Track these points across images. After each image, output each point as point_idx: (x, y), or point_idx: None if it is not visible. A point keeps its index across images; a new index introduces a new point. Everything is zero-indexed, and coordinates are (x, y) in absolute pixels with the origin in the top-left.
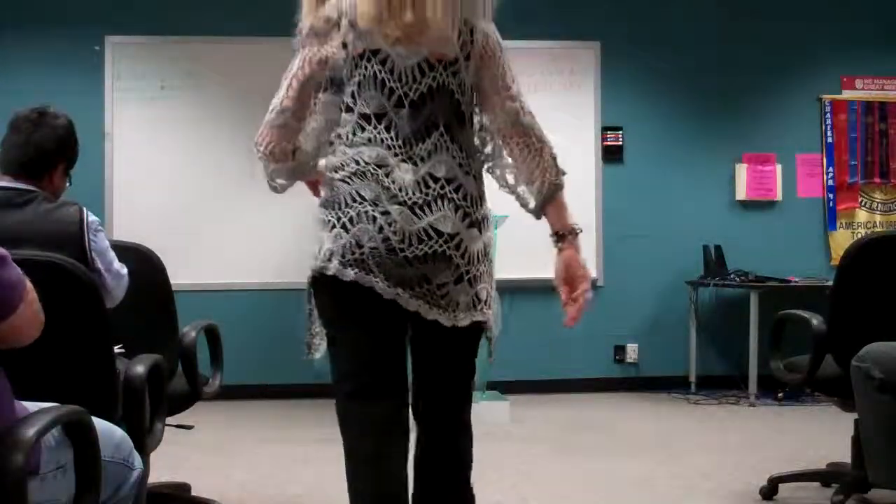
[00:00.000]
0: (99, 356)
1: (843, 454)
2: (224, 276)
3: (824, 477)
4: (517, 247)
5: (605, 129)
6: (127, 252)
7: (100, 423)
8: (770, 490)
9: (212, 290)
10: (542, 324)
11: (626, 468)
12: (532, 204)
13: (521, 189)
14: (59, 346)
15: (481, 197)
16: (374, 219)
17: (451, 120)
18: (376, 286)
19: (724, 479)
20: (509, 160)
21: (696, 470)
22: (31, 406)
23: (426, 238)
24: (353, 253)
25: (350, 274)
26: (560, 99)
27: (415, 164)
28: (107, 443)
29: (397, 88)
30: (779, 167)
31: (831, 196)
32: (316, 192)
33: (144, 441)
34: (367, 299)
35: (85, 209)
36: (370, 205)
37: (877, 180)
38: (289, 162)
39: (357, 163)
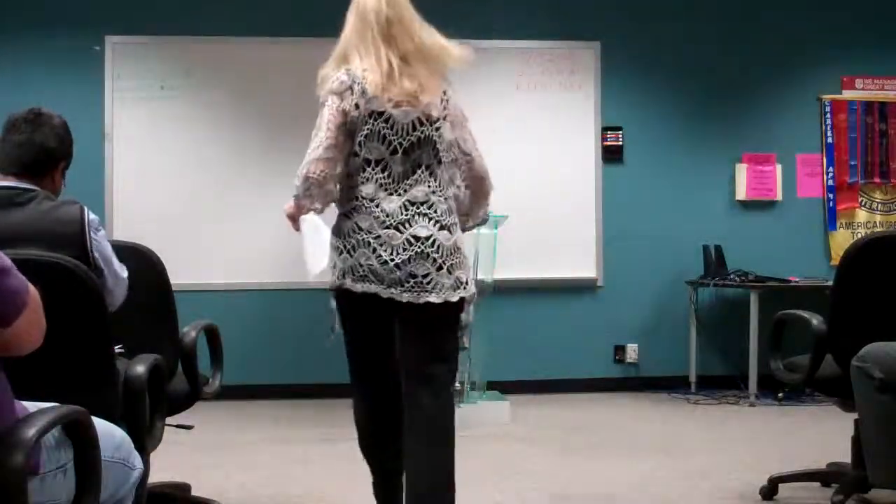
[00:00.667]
0: (99, 356)
1: (843, 454)
2: (224, 276)
3: (824, 477)
4: (517, 247)
5: (605, 129)
6: (127, 252)
7: (100, 424)
8: (770, 490)
9: (212, 290)
10: (542, 324)
11: (625, 468)
12: (468, 226)
13: (467, 212)
14: (60, 346)
15: (450, 210)
16: (369, 243)
17: (431, 161)
18: (379, 292)
19: (724, 479)
20: (468, 192)
21: (696, 470)
22: (31, 406)
23: (408, 245)
24: (358, 272)
25: (358, 288)
26: (560, 99)
27: (399, 194)
28: (107, 443)
29: (394, 140)
30: (779, 167)
31: (831, 196)
32: (295, 226)
33: (145, 441)
34: (370, 303)
35: (85, 208)
36: (366, 233)
37: (877, 180)
38: (331, 185)
39: (357, 199)
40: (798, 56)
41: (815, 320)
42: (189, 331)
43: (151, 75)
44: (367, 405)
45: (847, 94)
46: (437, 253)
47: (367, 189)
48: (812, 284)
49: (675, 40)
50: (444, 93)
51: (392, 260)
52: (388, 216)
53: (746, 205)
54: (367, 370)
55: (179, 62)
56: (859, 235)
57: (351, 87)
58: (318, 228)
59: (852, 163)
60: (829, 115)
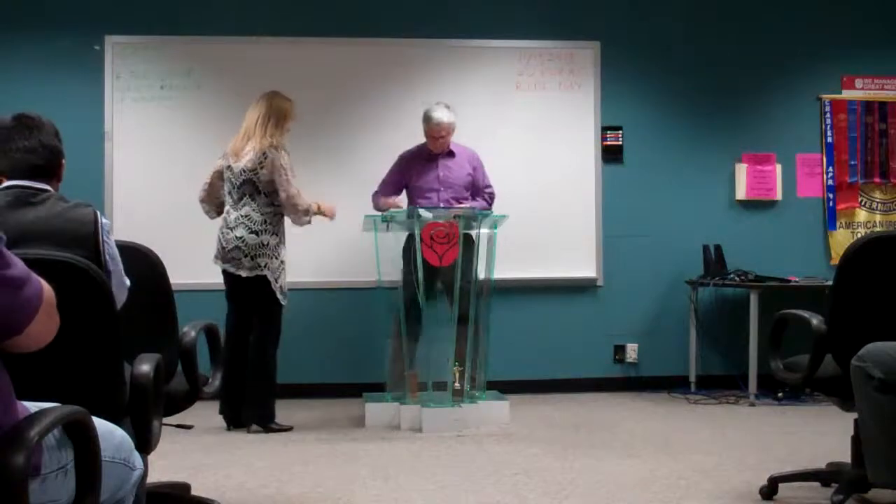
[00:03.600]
0: (109, 356)
1: (843, 454)
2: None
3: (824, 477)
4: (517, 247)
5: (604, 129)
6: (127, 252)
7: (100, 424)
8: (770, 490)
9: (212, 290)
10: (542, 324)
11: (626, 468)
12: (299, 222)
13: (289, 216)
14: (71, 345)
15: (263, 221)
16: (220, 239)
17: (254, 193)
18: (222, 266)
19: (724, 479)
20: (287, 206)
21: (696, 470)
22: (32, 406)
23: (234, 241)
24: (218, 254)
25: (219, 263)
26: (560, 99)
27: (235, 210)
28: (107, 443)
29: (233, 180)
30: (779, 167)
31: (831, 196)
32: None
33: (148, 441)
34: (227, 272)
35: (98, 211)
36: (221, 232)
37: (877, 180)
38: (206, 204)
39: (224, 214)
40: (798, 56)
41: (815, 320)
42: (189, 330)
43: (151, 75)
44: (232, 320)
45: (847, 94)
46: (246, 247)
47: (225, 207)
48: (812, 284)
49: (675, 40)
50: (264, 154)
51: (225, 248)
52: (228, 223)
53: (746, 205)
54: (231, 303)
55: (179, 62)
56: (859, 235)
57: (225, 155)
58: None
59: (852, 162)
60: (828, 115)
